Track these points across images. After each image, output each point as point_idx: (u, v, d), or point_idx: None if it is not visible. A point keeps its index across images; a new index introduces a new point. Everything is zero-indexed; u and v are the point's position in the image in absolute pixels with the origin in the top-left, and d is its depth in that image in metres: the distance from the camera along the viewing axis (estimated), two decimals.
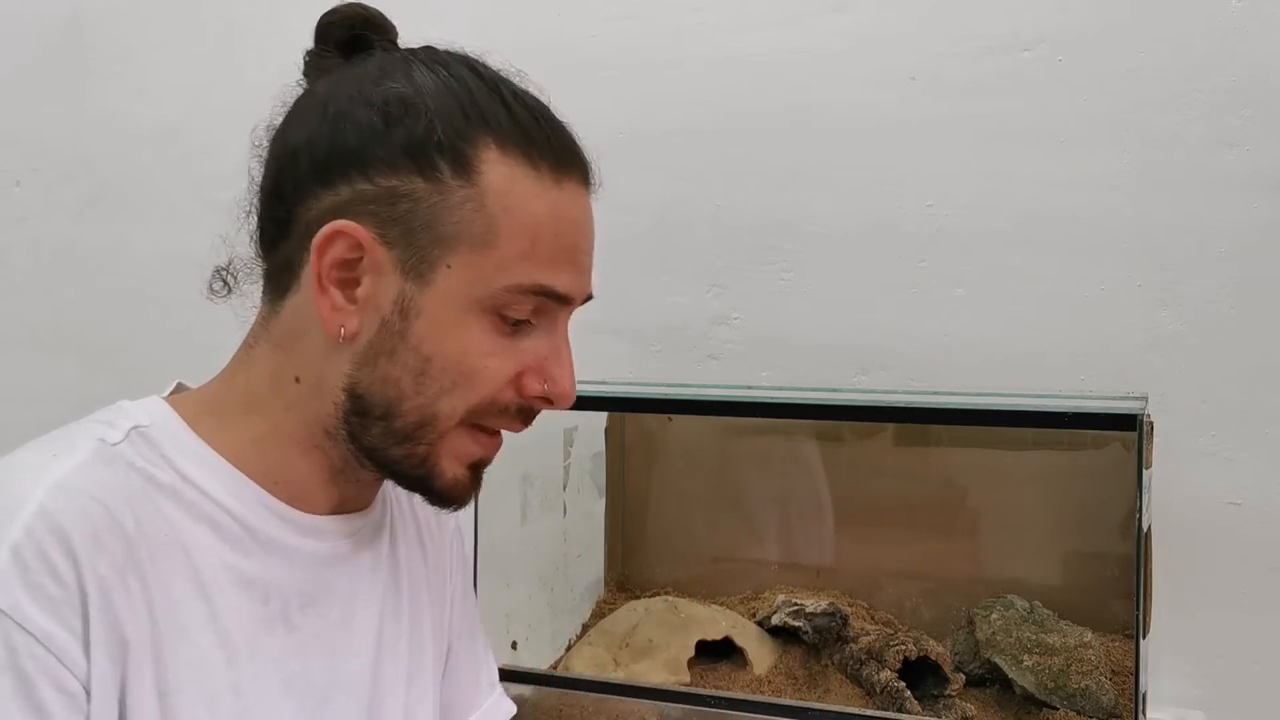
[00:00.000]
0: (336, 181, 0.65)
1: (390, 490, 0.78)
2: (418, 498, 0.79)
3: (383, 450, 0.67)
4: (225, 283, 0.72)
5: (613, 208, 1.35)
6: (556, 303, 0.67)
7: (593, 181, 0.73)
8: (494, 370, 0.66)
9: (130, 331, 1.55)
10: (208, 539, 0.64)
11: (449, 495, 0.69)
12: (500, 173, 0.64)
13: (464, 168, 0.64)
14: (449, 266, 0.64)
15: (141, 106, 1.53)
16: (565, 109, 1.50)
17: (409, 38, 0.71)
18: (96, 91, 1.57)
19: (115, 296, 1.56)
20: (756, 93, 1.30)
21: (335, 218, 0.64)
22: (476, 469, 0.69)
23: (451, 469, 0.68)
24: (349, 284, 0.65)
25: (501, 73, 0.70)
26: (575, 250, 0.68)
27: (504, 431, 0.70)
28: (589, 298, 0.71)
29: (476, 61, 0.70)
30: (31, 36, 1.60)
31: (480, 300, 0.64)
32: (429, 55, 0.68)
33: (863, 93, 1.27)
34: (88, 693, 0.58)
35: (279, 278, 0.68)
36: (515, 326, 0.66)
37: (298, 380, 0.67)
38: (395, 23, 0.71)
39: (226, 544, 0.65)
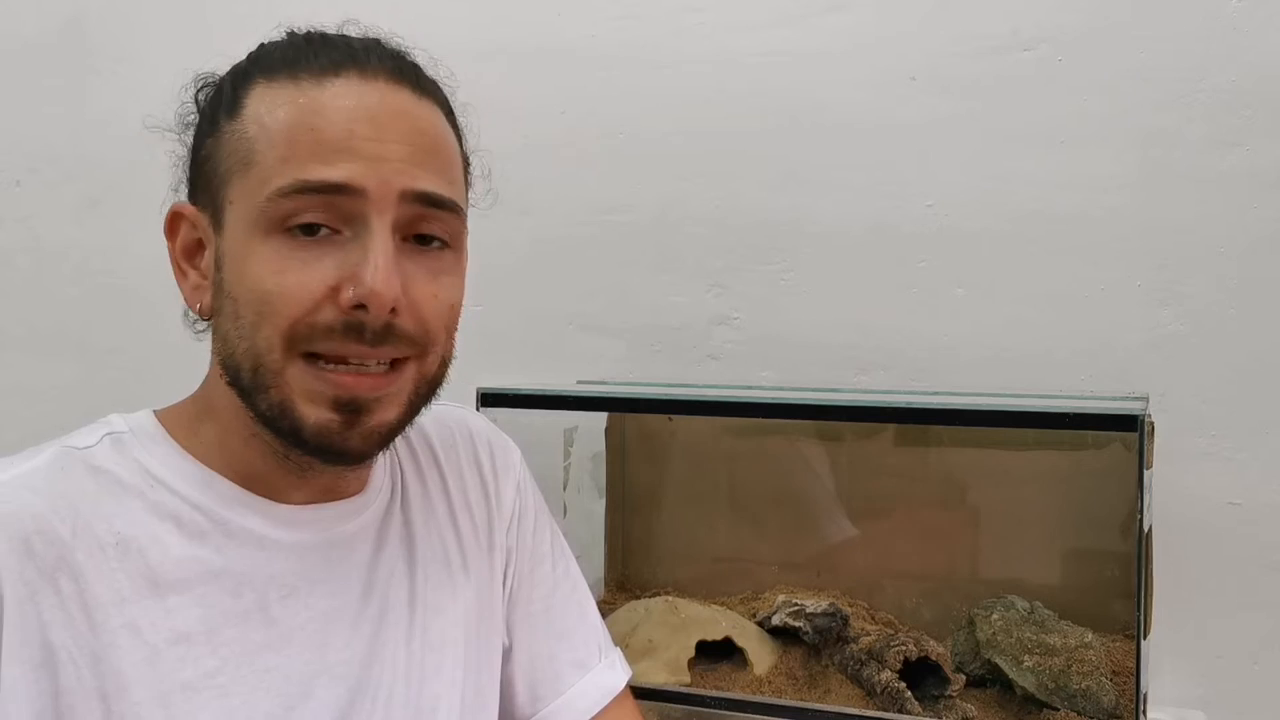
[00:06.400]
0: (191, 174, 0.69)
1: (403, 469, 0.78)
2: (465, 482, 0.79)
3: (257, 410, 0.64)
4: None
5: (613, 208, 1.37)
6: (343, 197, 0.61)
7: (400, 77, 0.65)
8: (291, 286, 0.61)
9: (130, 332, 1.55)
10: (171, 536, 0.65)
11: (320, 443, 0.64)
12: (261, 98, 0.64)
13: (233, 110, 0.65)
14: (231, 203, 0.64)
15: (141, 106, 1.53)
16: (566, 109, 1.50)
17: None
18: (96, 91, 1.57)
19: (115, 297, 1.56)
20: (756, 93, 1.30)
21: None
22: (347, 410, 0.63)
23: (312, 412, 0.63)
24: (202, 261, 0.67)
25: (340, 28, 0.69)
26: (350, 137, 0.62)
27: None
28: (423, 196, 0.64)
29: (305, 28, 0.69)
30: (31, 36, 1.60)
31: (256, 221, 0.62)
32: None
33: (863, 93, 1.27)
34: None
35: None
36: (316, 241, 0.62)
37: (220, 374, 0.67)
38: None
39: (193, 540, 0.65)
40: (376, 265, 0.61)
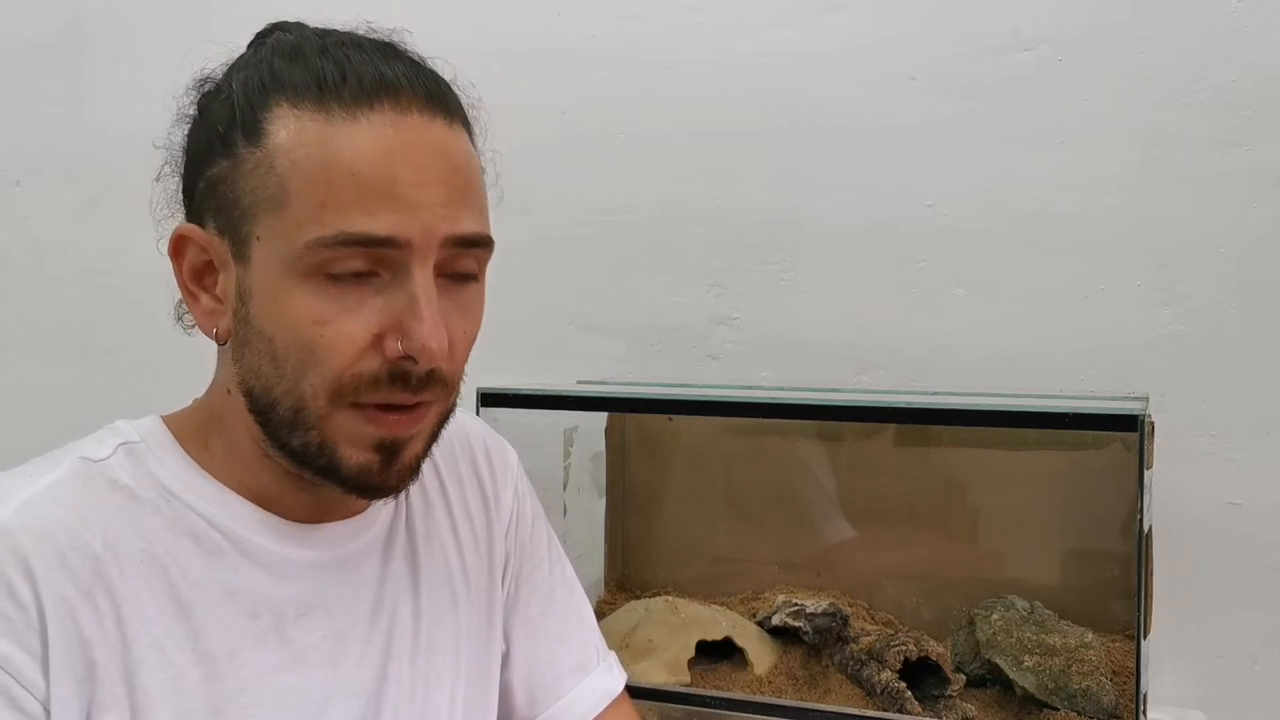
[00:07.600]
0: (190, 186, 0.66)
1: (409, 488, 0.78)
2: (465, 489, 0.79)
3: (286, 444, 0.64)
4: None
5: (613, 208, 1.37)
6: (386, 249, 0.60)
7: (432, 105, 0.63)
8: (334, 337, 0.60)
9: (130, 332, 1.55)
10: (189, 553, 0.64)
11: (360, 482, 0.64)
12: (289, 128, 0.61)
13: (255, 135, 0.62)
14: (258, 239, 0.61)
15: (141, 106, 1.53)
16: (566, 109, 1.50)
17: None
18: (96, 91, 1.57)
19: (115, 297, 1.56)
20: (756, 93, 1.30)
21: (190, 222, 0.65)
22: (387, 451, 0.64)
23: (354, 454, 0.63)
24: (214, 284, 0.65)
25: (350, 29, 0.66)
26: (392, 183, 0.60)
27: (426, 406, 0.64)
28: (463, 240, 0.63)
29: (313, 29, 0.66)
30: (31, 36, 1.60)
31: (291, 265, 0.60)
32: (272, 33, 0.67)
33: (863, 93, 1.27)
34: (47, 712, 0.58)
35: None
36: (355, 285, 0.60)
37: (229, 392, 0.66)
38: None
39: (211, 557, 0.65)
40: (425, 318, 0.60)
